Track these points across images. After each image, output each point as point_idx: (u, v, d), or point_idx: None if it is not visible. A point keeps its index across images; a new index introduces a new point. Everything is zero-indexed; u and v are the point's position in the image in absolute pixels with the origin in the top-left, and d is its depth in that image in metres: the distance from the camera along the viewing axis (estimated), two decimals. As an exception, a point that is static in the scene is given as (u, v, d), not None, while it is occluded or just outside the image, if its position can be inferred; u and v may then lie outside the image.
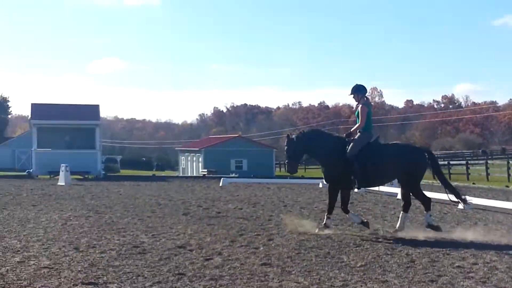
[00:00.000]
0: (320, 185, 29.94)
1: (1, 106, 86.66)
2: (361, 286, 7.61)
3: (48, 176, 36.44)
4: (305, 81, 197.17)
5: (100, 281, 7.73)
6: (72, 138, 40.36)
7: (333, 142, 12.49)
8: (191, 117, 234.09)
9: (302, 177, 44.73)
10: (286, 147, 12.59)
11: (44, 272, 8.24)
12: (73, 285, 7.50)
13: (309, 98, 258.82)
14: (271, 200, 20.20)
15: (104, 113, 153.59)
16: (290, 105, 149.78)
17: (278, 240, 11.10)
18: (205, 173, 61.29)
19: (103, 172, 42.04)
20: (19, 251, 9.81)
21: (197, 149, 78.88)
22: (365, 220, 12.62)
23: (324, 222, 12.45)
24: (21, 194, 21.35)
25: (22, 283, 7.59)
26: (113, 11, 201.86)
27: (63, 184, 28.48)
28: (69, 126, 40.34)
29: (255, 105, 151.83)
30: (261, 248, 10.26)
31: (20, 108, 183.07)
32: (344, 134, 12.67)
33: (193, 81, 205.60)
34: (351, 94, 12.48)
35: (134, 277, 7.94)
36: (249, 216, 15.18)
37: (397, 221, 12.37)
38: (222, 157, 73.01)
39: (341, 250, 10.25)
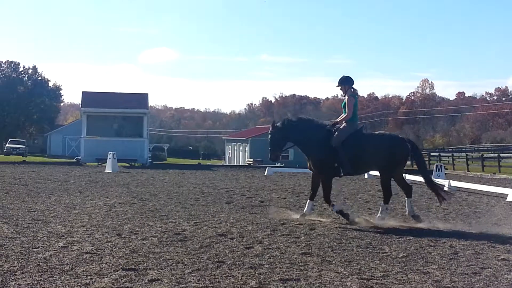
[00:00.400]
0: (366, 176, 29.68)
1: (53, 94, 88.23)
2: (402, 277, 7.50)
3: (96, 163, 36.91)
4: (355, 71, 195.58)
5: (140, 267, 7.78)
6: (120, 126, 40.82)
7: (317, 131, 12.55)
8: (239, 107, 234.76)
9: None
10: (270, 135, 12.72)
11: (86, 257, 8.33)
12: (113, 270, 7.57)
13: (358, 89, 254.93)
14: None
15: (153, 102, 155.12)
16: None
17: (320, 230, 11.03)
18: (251, 162, 61.36)
19: (150, 160, 42.43)
20: (63, 236, 9.96)
21: (243, 138, 79.07)
22: (345, 211, 12.51)
23: (334, 211, 12.45)
24: (69, 181, 21.69)
25: (64, 267, 7.68)
26: (165, 1, 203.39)
27: (110, 171, 28.85)
28: (117, 114, 40.76)
29: (303, 96, 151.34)
30: (302, 238, 10.21)
31: (72, 96, 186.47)
32: (331, 124, 12.74)
33: (242, 71, 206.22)
34: (338, 85, 12.64)
35: (174, 264, 7.98)
36: (292, 206, 15.13)
37: (410, 210, 12.36)
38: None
39: (383, 240, 10.14)
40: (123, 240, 9.66)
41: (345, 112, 12.40)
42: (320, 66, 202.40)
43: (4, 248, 8.84)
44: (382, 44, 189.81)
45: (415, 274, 7.64)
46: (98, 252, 8.66)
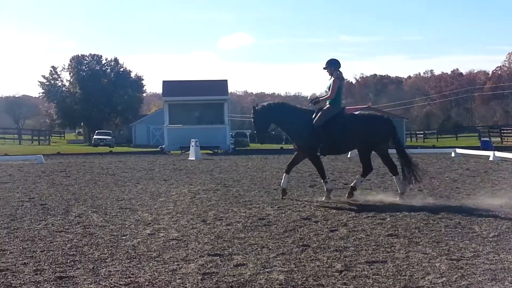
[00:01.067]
0: (453, 154, 28.98)
1: (136, 84, 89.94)
2: (494, 257, 7.25)
3: (179, 151, 37.47)
4: (437, 48, 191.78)
5: (225, 252, 7.83)
6: (201, 114, 41.21)
7: (298, 113, 13.08)
8: (320, 89, 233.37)
9: (434, 147, 43.45)
10: (252, 118, 13.25)
11: (172, 243, 8.45)
12: (199, 256, 7.64)
13: (441, 65, 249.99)
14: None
15: (233, 88, 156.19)
16: (422, 74, 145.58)
17: (406, 211, 10.81)
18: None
19: (232, 146, 42.76)
20: (150, 223, 10.14)
21: (325, 121, 78.59)
22: (286, 188, 13.18)
23: (326, 188, 12.83)
24: (154, 169, 22.09)
25: (152, 254, 7.82)
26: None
27: (194, 159, 29.21)
28: (198, 101, 41.15)
29: (384, 75, 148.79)
30: (388, 219, 10.03)
31: (154, 86, 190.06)
32: (312, 100, 13.34)
33: (321, 53, 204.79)
34: (324, 68, 12.91)
35: (258, 249, 7.99)
36: (377, 187, 14.91)
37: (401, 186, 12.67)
38: (351, 128, 72.35)
39: (472, 220, 9.84)
40: (208, 226, 9.75)
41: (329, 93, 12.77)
42: (401, 44, 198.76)
43: (95, 236, 9.07)
44: (464, 18, 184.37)
45: (508, 254, 7.37)
46: (184, 239, 8.77)
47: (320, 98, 13.18)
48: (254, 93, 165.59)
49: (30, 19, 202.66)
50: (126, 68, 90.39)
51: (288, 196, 13.16)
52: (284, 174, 13.29)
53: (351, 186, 12.95)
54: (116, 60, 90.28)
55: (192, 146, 30.51)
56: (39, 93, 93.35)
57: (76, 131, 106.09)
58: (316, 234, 8.90)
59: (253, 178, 18.25)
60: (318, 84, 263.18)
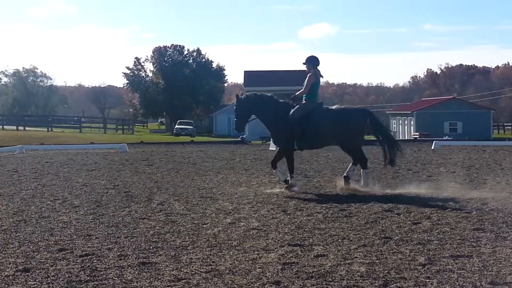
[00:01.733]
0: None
1: (217, 75, 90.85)
2: None
3: (260, 142, 37.59)
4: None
5: (306, 243, 7.78)
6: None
7: (277, 106, 13.28)
8: (403, 80, 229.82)
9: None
10: (235, 107, 13.55)
11: (253, 233, 8.47)
12: (279, 246, 7.62)
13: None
14: (486, 163, 19.18)
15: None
16: (511, 64, 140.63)
17: (493, 204, 10.47)
18: (417, 136, 59.84)
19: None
20: (230, 212, 10.19)
21: (408, 112, 77.36)
22: (288, 179, 13.14)
23: (290, 181, 13.04)
24: (234, 159, 22.21)
25: (232, 243, 7.85)
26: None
27: (274, 149, 29.16)
28: (279, 92, 41.10)
29: (471, 65, 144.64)
30: (474, 213, 9.74)
31: (235, 76, 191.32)
32: (292, 97, 13.59)
33: (404, 42, 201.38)
34: (304, 63, 13.41)
35: (339, 240, 7.90)
36: (462, 180, 14.51)
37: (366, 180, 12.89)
38: (435, 120, 70.98)
39: None
40: (289, 217, 9.72)
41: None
42: (489, 33, 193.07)
43: (176, 224, 9.19)
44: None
45: None
46: (264, 228, 8.77)
47: (296, 94, 13.51)
48: (335, 83, 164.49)
49: (114, 11, 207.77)
50: (208, 59, 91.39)
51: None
52: (274, 170, 13.56)
53: (344, 176, 13.15)
54: (198, 50, 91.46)
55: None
56: (124, 84, 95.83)
57: (159, 120, 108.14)
58: (399, 227, 8.73)
59: (334, 169, 18.12)
60: (401, 75, 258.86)
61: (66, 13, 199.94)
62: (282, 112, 13.11)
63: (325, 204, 10.87)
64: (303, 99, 13.24)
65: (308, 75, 13.22)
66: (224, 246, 7.66)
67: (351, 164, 13.31)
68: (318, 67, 13.29)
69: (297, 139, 13.00)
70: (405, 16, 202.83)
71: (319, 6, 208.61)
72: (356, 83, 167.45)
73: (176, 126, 72.91)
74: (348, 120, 12.95)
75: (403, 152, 13.49)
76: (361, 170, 13.03)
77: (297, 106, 13.08)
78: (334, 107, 13.75)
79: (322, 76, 13.46)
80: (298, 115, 12.89)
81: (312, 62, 13.30)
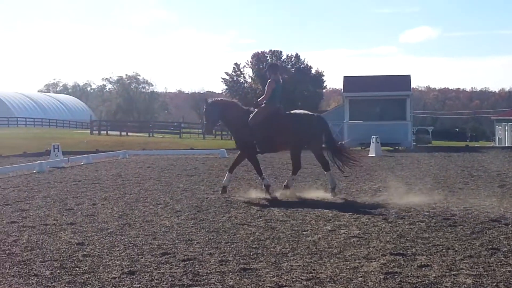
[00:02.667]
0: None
1: (316, 80, 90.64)
2: None
3: (359, 148, 37.19)
4: None
5: (408, 252, 7.59)
6: (382, 110, 40.54)
7: (239, 112, 13.72)
8: (509, 84, 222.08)
9: None
10: (204, 111, 14.30)
11: (353, 241, 8.35)
12: (381, 255, 7.47)
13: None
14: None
15: (415, 83, 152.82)
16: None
17: None
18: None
19: (414, 143, 41.76)
20: (330, 219, 10.10)
21: (514, 118, 74.62)
22: (227, 186, 13.66)
23: (263, 185, 13.53)
24: (333, 166, 21.99)
25: (332, 250, 7.77)
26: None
27: (374, 155, 28.83)
28: (379, 97, 40.55)
29: None
30: None
31: (333, 81, 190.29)
32: (254, 103, 14.13)
33: (510, 45, 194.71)
34: (265, 71, 14.26)
35: (443, 250, 7.67)
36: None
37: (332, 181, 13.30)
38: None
39: None
40: (390, 225, 9.53)
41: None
42: None
43: (276, 230, 9.19)
44: None
45: None
46: (365, 236, 8.64)
47: (258, 100, 14.00)
48: (437, 88, 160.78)
49: (214, 17, 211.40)
50: (307, 64, 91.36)
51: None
52: (227, 173, 13.90)
53: (284, 185, 13.59)
54: (297, 56, 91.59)
55: (373, 142, 30.16)
56: (222, 89, 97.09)
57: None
58: (507, 238, 8.38)
59: (436, 176, 17.64)
60: (507, 79, 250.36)
61: (167, 20, 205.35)
62: (244, 117, 13.53)
63: (427, 213, 10.59)
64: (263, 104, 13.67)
65: (268, 81, 13.66)
66: (325, 254, 7.58)
67: (291, 173, 13.96)
68: (279, 73, 13.99)
69: (257, 143, 13.41)
70: (510, 17, 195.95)
71: (422, 8, 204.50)
72: (459, 88, 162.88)
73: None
74: (306, 123, 13.39)
75: (351, 160, 13.83)
76: (326, 172, 13.59)
77: (256, 111, 13.47)
78: (294, 111, 14.00)
79: (280, 82, 13.88)
80: (257, 120, 13.28)
81: (272, 69, 13.99)
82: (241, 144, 13.97)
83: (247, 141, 13.53)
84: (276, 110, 13.58)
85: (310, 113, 13.97)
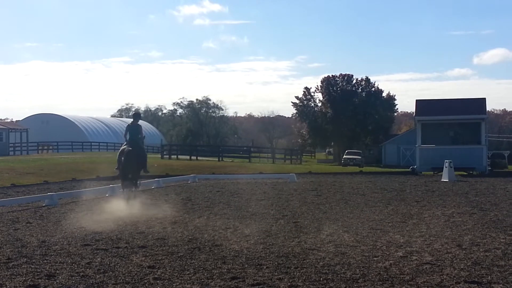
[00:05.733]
0: None
1: (387, 104, 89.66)
2: None
3: (432, 172, 36.52)
4: None
5: (484, 280, 7.37)
6: (456, 134, 39.77)
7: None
8: None
9: None
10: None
11: (426, 268, 8.17)
12: (455, 282, 7.28)
13: None
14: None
15: (491, 106, 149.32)
16: None
17: None
18: None
19: (489, 168, 40.66)
20: (402, 246, 9.91)
21: None
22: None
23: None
24: (405, 190, 21.71)
25: (404, 277, 7.61)
26: (500, 0, 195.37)
27: (447, 180, 28.25)
28: (453, 121, 39.82)
29: None
30: None
31: (405, 105, 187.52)
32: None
33: None
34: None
35: (521, 279, 7.40)
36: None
37: None
38: None
39: None
40: (464, 252, 9.28)
41: None
42: None
43: (346, 256, 9.07)
44: None
45: None
46: (438, 263, 8.44)
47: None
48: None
49: (282, 41, 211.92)
50: (378, 87, 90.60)
51: None
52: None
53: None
54: (367, 79, 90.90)
55: (446, 167, 29.56)
56: (292, 114, 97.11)
57: (326, 150, 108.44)
58: None
59: (512, 202, 17.11)
60: None
61: (237, 45, 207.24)
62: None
63: (503, 240, 10.28)
64: None
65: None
66: (396, 281, 7.43)
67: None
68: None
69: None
70: None
71: (497, 30, 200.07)
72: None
73: (344, 156, 72.62)
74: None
75: None
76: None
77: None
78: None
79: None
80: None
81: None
82: None
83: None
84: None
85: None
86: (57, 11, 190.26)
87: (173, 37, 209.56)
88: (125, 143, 16.78)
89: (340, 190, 21.65)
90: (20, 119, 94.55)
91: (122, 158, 16.21)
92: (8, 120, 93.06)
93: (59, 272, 8.08)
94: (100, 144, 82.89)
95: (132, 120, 17.65)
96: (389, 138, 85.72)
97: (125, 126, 18.28)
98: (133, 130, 16.86)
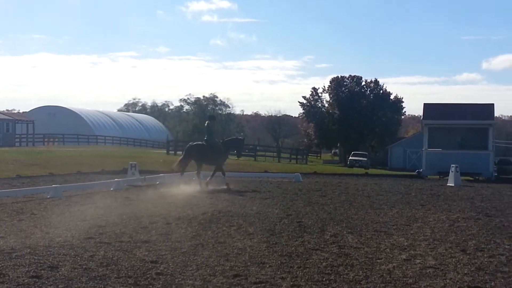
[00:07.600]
0: None
1: (395, 106, 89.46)
2: None
3: (437, 177, 36.43)
4: None
5: (487, 286, 7.36)
6: (463, 139, 39.65)
7: None
8: None
9: None
10: None
11: (429, 271, 8.14)
12: (458, 287, 7.25)
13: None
14: None
15: (499, 112, 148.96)
16: None
17: None
18: None
19: (495, 174, 40.54)
20: (406, 249, 9.88)
21: None
22: None
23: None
24: (410, 193, 21.65)
25: (407, 280, 7.59)
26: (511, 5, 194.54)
27: (452, 185, 28.16)
28: (461, 126, 39.70)
29: None
30: None
31: (412, 108, 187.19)
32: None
33: None
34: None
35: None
36: None
37: None
38: None
39: None
40: (468, 257, 9.25)
41: None
42: None
43: (349, 257, 9.05)
44: None
45: None
46: (442, 267, 8.41)
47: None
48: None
49: (290, 41, 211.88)
50: (386, 90, 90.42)
51: None
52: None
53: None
54: (376, 81, 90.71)
55: (452, 171, 29.46)
56: (299, 113, 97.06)
57: (332, 151, 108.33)
58: None
59: (518, 208, 17.04)
60: None
61: (245, 43, 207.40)
62: None
63: (508, 246, 10.24)
64: None
65: None
66: (399, 284, 7.40)
67: None
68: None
69: None
70: None
71: (508, 36, 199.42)
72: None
73: (350, 158, 72.54)
74: None
75: None
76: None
77: None
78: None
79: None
80: None
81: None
82: None
83: None
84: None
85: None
86: (65, 4, 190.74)
87: (181, 33, 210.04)
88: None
89: (345, 192, 21.61)
90: (27, 111, 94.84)
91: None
92: (15, 111, 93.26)
93: (62, 264, 8.09)
94: (106, 138, 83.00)
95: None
96: (395, 141, 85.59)
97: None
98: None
